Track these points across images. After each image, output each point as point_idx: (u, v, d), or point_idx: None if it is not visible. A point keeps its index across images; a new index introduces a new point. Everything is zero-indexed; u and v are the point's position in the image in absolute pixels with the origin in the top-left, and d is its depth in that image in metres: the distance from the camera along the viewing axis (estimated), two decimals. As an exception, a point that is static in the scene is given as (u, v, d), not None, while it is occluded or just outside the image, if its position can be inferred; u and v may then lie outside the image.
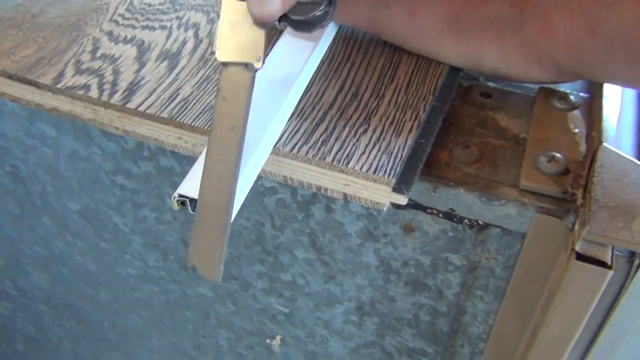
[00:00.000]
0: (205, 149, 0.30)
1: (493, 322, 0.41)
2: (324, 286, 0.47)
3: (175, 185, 0.46)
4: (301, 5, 0.32)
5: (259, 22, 0.31)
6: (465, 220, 0.36)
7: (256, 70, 0.31)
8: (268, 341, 0.56)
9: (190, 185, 0.28)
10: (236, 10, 0.31)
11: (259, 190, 0.41)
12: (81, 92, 0.37)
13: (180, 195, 0.27)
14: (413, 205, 0.37)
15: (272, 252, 0.46)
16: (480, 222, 0.36)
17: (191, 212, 0.28)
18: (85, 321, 0.73)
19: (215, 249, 0.27)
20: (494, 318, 0.41)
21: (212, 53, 0.40)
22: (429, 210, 0.37)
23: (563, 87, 0.41)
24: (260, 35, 0.31)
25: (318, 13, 0.32)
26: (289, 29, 0.38)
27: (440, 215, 0.37)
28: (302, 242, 0.44)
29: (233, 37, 0.31)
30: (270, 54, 0.36)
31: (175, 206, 0.28)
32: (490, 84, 0.42)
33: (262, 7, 0.31)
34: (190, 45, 0.41)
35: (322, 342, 0.52)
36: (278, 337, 0.55)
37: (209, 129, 0.31)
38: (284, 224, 0.43)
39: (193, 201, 0.27)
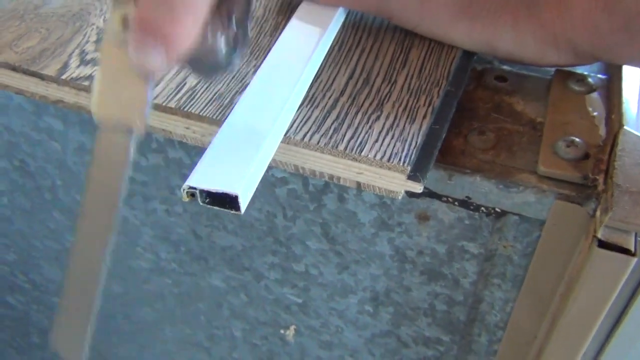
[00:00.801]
0: (214, 137, 0.29)
1: (511, 310, 0.41)
2: (337, 276, 0.46)
3: (184, 177, 0.45)
4: (199, 55, 0.27)
5: (142, 76, 0.26)
6: (482, 208, 0.35)
7: (134, 137, 0.26)
8: (282, 331, 0.55)
9: (200, 176, 0.27)
10: (118, 58, 0.25)
11: (270, 181, 0.41)
12: (86, 83, 0.36)
13: (190, 187, 0.27)
14: (428, 193, 0.36)
15: (284, 242, 0.46)
16: (497, 209, 0.35)
17: (201, 203, 0.27)
18: (98, 314, 0.73)
19: (78, 333, 0.26)
20: (511, 306, 0.40)
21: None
22: (444, 199, 0.36)
23: (580, 69, 0.39)
24: (142, 90, 0.25)
25: (219, 59, 0.28)
26: (297, 14, 0.37)
27: (456, 203, 0.36)
28: (315, 233, 0.43)
29: (112, 91, 0.25)
30: (278, 40, 0.35)
31: (185, 198, 0.27)
32: (504, 67, 0.41)
33: (143, 59, 0.25)
34: (196, 33, 0.40)
35: (336, 332, 0.52)
36: (292, 328, 0.54)
37: (85, 197, 0.26)
38: (296, 214, 0.43)
39: (203, 192, 0.27)
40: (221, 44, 0.27)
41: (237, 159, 0.28)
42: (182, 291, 0.59)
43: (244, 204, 0.26)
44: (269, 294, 0.52)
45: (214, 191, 0.26)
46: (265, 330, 0.57)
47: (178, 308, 0.62)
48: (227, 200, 0.26)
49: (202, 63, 0.28)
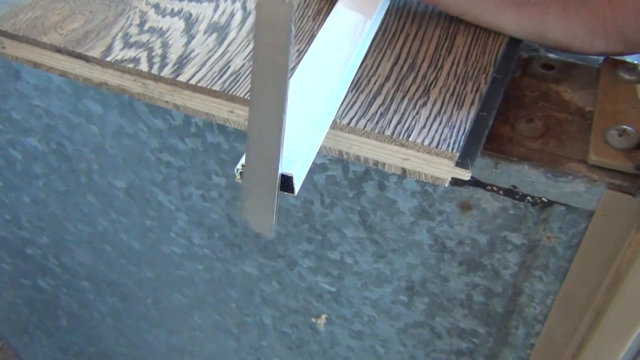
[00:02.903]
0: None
1: (552, 303, 0.40)
2: (373, 265, 0.46)
3: (221, 162, 0.45)
4: None
5: None
6: (528, 198, 0.35)
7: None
8: (313, 320, 0.55)
9: None
10: None
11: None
12: (131, 66, 0.36)
13: (244, 166, 0.26)
14: (472, 182, 0.36)
15: (320, 230, 0.46)
16: (544, 199, 0.34)
17: None
18: (127, 298, 0.74)
19: (266, 201, 0.26)
20: (552, 299, 0.40)
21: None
22: (489, 187, 0.36)
23: (630, 58, 0.38)
24: None
25: None
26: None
27: (501, 192, 0.35)
28: (352, 220, 0.43)
29: None
30: (325, 25, 0.35)
31: (238, 178, 0.27)
32: (551, 55, 0.40)
33: None
34: (238, 17, 0.40)
35: (369, 321, 0.51)
36: (323, 316, 0.54)
37: (250, 78, 0.26)
38: (334, 201, 0.42)
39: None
40: None
41: (290, 141, 0.28)
42: (213, 277, 0.59)
43: (298, 185, 0.26)
44: (302, 282, 0.52)
45: (269, 171, 0.26)
46: (295, 319, 0.57)
47: (209, 294, 0.62)
48: (282, 181, 0.26)
49: None
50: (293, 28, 0.25)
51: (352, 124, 0.32)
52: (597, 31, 0.35)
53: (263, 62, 0.25)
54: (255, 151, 0.26)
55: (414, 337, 0.50)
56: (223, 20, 0.39)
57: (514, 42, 0.38)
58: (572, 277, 0.37)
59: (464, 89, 0.34)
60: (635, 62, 0.38)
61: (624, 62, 0.38)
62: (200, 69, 0.36)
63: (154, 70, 0.36)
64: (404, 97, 0.33)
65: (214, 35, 0.38)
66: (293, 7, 0.25)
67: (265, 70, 0.25)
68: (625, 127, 0.33)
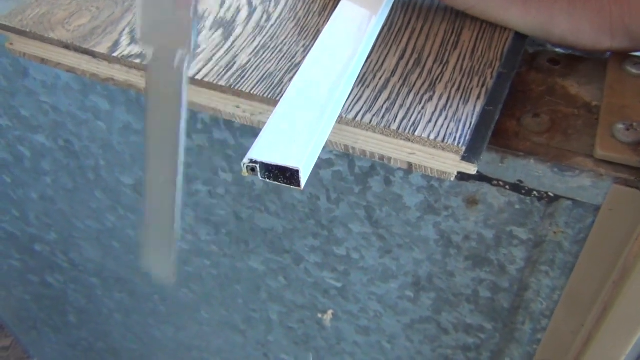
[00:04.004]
0: (272, 113, 0.29)
1: (558, 298, 0.40)
2: (379, 261, 0.46)
3: (228, 159, 0.46)
4: None
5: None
6: (534, 192, 0.35)
7: (184, 59, 0.25)
8: (319, 315, 0.55)
9: (261, 150, 0.27)
10: None
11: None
12: (138, 61, 0.36)
13: (251, 161, 0.27)
14: (478, 177, 0.36)
15: (326, 225, 0.46)
16: (550, 194, 0.34)
17: (260, 178, 0.27)
18: (135, 294, 0.74)
19: (165, 252, 0.27)
20: (559, 294, 0.40)
21: (267, 21, 0.39)
22: (495, 182, 0.35)
23: (637, 52, 0.38)
24: (186, 13, 0.25)
25: None
26: None
27: (507, 187, 0.35)
28: (358, 216, 0.43)
29: (155, 17, 0.25)
30: (331, 19, 0.35)
31: (245, 172, 0.27)
32: (557, 50, 0.40)
33: None
34: (244, 13, 0.40)
35: (375, 317, 0.52)
36: (330, 312, 0.54)
37: (145, 130, 0.27)
38: (340, 197, 0.43)
39: (264, 166, 0.27)
40: None
41: (296, 135, 0.28)
42: (220, 273, 0.59)
43: (304, 179, 0.26)
44: (308, 278, 0.52)
45: (275, 164, 0.26)
46: (302, 314, 0.57)
47: (216, 290, 0.62)
48: (288, 175, 0.26)
49: None
50: (185, 93, 0.25)
51: (358, 118, 0.32)
52: (603, 27, 0.35)
53: (156, 120, 0.26)
54: (153, 208, 0.27)
55: (420, 332, 0.50)
56: (229, 16, 0.40)
57: (520, 37, 0.38)
58: (579, 272, 0.37)
59: (470, 83, 0.34)
60: (643, 56, 0.38)
61: (631, 56, 0.38)
62: (206, 65, 0.36)
63: (161, 66, 0.36)
64: (409, 92, 0.33)
65: (220, 31, 0.38)
66: (182, 73, 0.25)
67: (159, 124, 0.26)
68: (632, 121, 0.33)
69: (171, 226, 0.27)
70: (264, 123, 0.30)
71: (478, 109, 0.32)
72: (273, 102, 0.34)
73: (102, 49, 0.37)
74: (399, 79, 0.34)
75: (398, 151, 0.32)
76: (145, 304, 0.75)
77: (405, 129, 0.31)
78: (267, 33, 0.38)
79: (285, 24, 0.39)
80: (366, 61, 0.35)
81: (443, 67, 0.35)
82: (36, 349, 1.13)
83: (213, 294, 0.63)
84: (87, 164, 0.56)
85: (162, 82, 0.25)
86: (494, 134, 0.33)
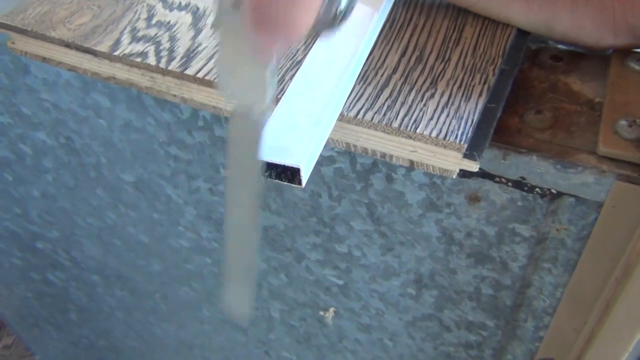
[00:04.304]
0: (273, 111, 0.29)
1: (561, 295, 0.40)
2: (381, 258, 0.46)
3: (229, 156, 0.45)
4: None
5: (262, 60, 0.25)
6: (537, 189, 0.35)
7: (262, 115, 0.26)
8: (321, 313, 0.55)
9: (262, 148, 0.27)
10: (235, 41, 0.25)
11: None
12: (139, 60, 0.36)
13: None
14: (480, 173, 0.36)
15: (328, 223, 0.46)
16: (553, 190, 0.34)
17: (262, 177, 0.27)
18: (137, 292, 0.74)
19: (245, 293, 0.29)
20: (561, 291, 0.40)
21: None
22: (497, 179, 0.35)
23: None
24: (263, 71, 0.25)
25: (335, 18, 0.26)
26: None
27: (510, 184, 0.35)
28: (360, 213, 0.43)
29: (236, 76, 0.25)
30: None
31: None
32: (560, 46, 0.40)
33: (261, 45, 0.23)
34: (245, 10, 0.40)
35: (377, 314, 0.52)
36: (331, 309, 0.54)
37: (226, 179, 0.28)
38: (342, 194, 0.42)
39: (265, 164, 0.27)
40: (334, 8, 0.26)
41: (297, 133, 0.28)
42: (221, 271, 0.59)
43: (305, 177, 0.26)
44: (310, 275, 0.52)
45: (276, 163, 0.26)
46: (303, 312, 0.57)
47: (217, 288, 0.62)
48: (289, 174, 0.26)
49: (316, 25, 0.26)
50: (261, 142, 0.26)
51: (360, 116, 0.32)
52: (605, 25, 0.35)
53: (237, 169, 0.27)
54: (234, 252, 0.28)
55: (422, 330, 0.50)
56: (230, 13, 0.39)
57: (523, 34, 0.37)
58: (582, 269, 0.37)
59: (471, 80, 0.34)
60: (645, 52, 0.38)
61: (634, 52, 0.37)
62: (207, 63, 0.36)
63: (162, 64, 0.36)
64: (411, 89, 0.33)
65: (221, 29, 0.38)
66: (260, 124, 0.26)
67: (239, 174, 0.27)
68: (635, 118, 0.33)
69: (251, 267, 0.28)
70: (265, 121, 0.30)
71: (480, 106, 0.32)
72: (274, 99, 0.34)
73: (103, 47, 0.37)
74: (401, 76, 0.34)
75: (400, 149, 0.32)
76: (147, 302, 0.75)
77: (407, 127, 0.31)
78: (268, 30, 0.38)
79: (287, 21, 0.38)
80: (368, 58, 0.35)
81: (445, 64, 0.35)
82: (38, 346, 1.13)
83: (214, 291, 0.63)
84: (88, 162, 0.56)
85: (242, 133, 0.26)
86: (496, 130, 0.33)
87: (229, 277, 0.28)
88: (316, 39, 0.34)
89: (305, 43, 0.37)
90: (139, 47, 0.37)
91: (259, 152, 0.26)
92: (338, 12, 0.26)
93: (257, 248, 0.29)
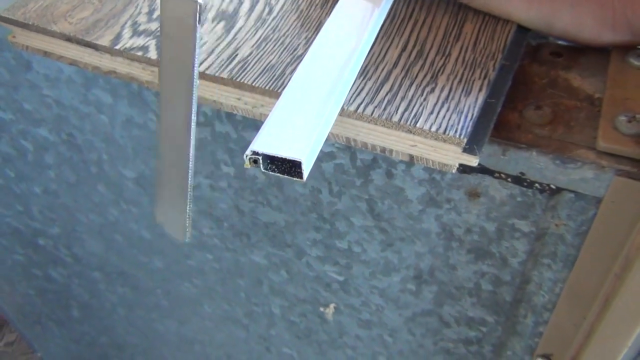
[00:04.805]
0: (275, 105, 0.29)
1: (560, 291, 0.40)
2: (381, 254, 0.46)
3: (230, 152, 0.46)
4: None
5: None
6: (536, 185, 0.35)
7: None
8: (321, 309, 0.55)
9: (264, 142, 0.27)
10: None
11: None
12: (139, 54, 0.36)
13: (254, 153, 0.27)
14: (479, 169, 0.36)
15: (328, 219, 0.46)
16: (552, 186, 0.34)
17: (263, 170, 0.27)
18: (138, 288, 0.74)
19: (179, 206, 0.26)
20: (561, 287, 0.40)
21: (269, 13, 0.39)
22: (497, 175, 0.35)
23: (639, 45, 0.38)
24: None
25: None
26: None
27: (509, 179, 0.35)
28: (360, 209, 0.43)
29: None
30: (332, 14, 0.35)
31: (248, 164, 0.27)
32: (560, 42, 0.40)
33: None
34: (246, 4, 0.40)
35: (377, 310, 0.52)
36: (332, 305, 0.54)
37: (159, 77, 0.26)
38: (342, 190, 0.43)
39: (266, 158, 0.27)
40: None
41: (299, 127, 0.28)
42: (222, 267, 0.59)
43: (306, 170, 0.26)
44: (310, 271, 0.52)
45: (278, 156, 0.26)
46: (304, 308, 0.58)
47: (218, 284, 0.63)
48: (290, 167, 0.26)
49: None
50: (198, 27, 0.24)
51: (360, 110, 0.32)
52: (605, 21, 0.35)
53: (170, 65, 0.25)
54: (166, 155, 0.26)
55: (422, 325, 0.50)
56: (231, 8, 0.40)
57: (523, 29, 0.37)
58: (581, 264, 0.37)
59: (472, 75, 0.34)
60: (645, 48, 0.38)
61: (634, 48, 0.37)
62: (208, 57, 0.36)
63: (163, 58, 0.36)
64: (411, 84, 0.33)
65: (222, 23, 0.38)
66: (198, 4, 0.24)
67: (173, 70, 0.25)
68: (635, 113, 0.33)
69: (184, 182, 0.26)
70: (266, 115, 0.30)
71: (480, 101, 0.32)
72: (275, 94, 0.34)
73: (104, 41, 0.37)
74: (401, 70, 0.34)
75: (400, 143, 0.32)
76: (148, 298, 0.75)
77: (406, 121, 0.31)
78: (269, 25, 0.38)
79: (288, 16, 0.38)
80: (368, 53, 0.35)
81: (445, 59, 0.35)
82: (40, 343, 1.13)
83: (215, 288, 0.63)
84: (89, 158, 0.56)
85: (176, 20, 0.24)
86: (496, 126, 0.33)
87: (161, 191, 0.27)
88: (317, 33, 0.34)
89: (306, 37, 0.37)
90: (140, 41, 0.38)
91: (194, 48, 0.24)
92: None
93: (191, 160, 0.26)
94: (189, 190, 0.27)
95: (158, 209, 0.27)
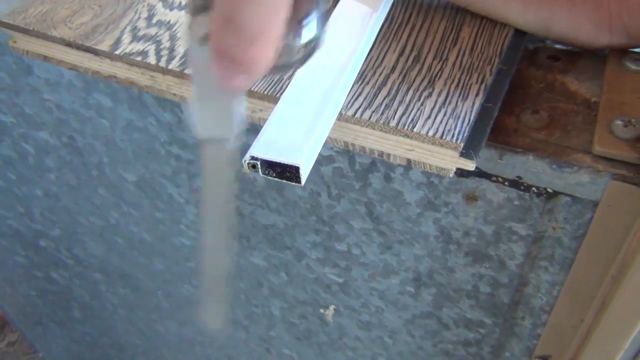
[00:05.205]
0: (273, 110, 0.30)
1: (558, 293, 0.40)
2: (380, 256, 0.46)
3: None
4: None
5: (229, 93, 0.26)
6: (533, 188, 0.35)
7: (232, 144, 0.27)
8: (321, 311, 0.56)
9: (262, 147, 0.27)
10: (205, 74, 0.25)
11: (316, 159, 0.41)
12: (139, 59, 0.37)
13: (252, 158, 0.27)
14: (477, 173, 0.36)
15: (327, 221, 0.46)
16: (549, 190, 0.34)
17: (261, 175, 0.27)
18: (139, 290, 0.74)
19: (219, 308, 0.31)
20: (559, 289, 0.40)
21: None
22: (494, 178, 0.36)
23: (635, 49, 0.38)
24: (230, 104, 0.26)
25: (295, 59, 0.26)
26: None
27: (506, 183, 0.35)
28: (359, 212, 0.43)
29: (206, 108, 0.26)
30: (331, 19, 0.35)
31: (246, 169, 0.27)
32: (557, 46, 0.40)
33: (227, 82, 0.24)
34: (245, 10, 0.40)
35: (376, 312, 0.52)
36: (332, 307, 0.55)
37: (203, 202, 0.29)
38: (341, 193, 0.43)
39: (265, 163, 0.27)
40: (297, 44, 0.26)
41: (297, 132, 0.28)
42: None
43: (304, 175, 0.27)
44: (310, 273, 0.52)
45: (276, 161, 0.27)
46: (304, 310, 0.58)
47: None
48: (288, 172, 0.27)
49: (277, 65, 0.26)
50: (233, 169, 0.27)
51: (358, 115, 0.32)
52: (602, 25, 0.35)
53: (211, 194, 0.28)
54: (209, 267, 0.30)
55: (421, 327, 0.50)
56: (230, 13, 0.40)
57: (520, 33, 0.38)
58: (578, 267, 0.37)
59: (469, 80, 0.34)
60: (642, 52, 0.38)
61: (631, 52, 0.38)
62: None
63: (162, 63, 0.36)
64: (409, 89, 0.34)
65: (221, 29, 0.39)
66: (232, 152, 0.26)
67: (214, 199, 0.28)
68: (631, 117, 0.33)
69: (224, 281, 0.30)
70: (265, 120, 0.30)
71: (477, 105, 0.33)
72: (274, 99, 0.34)
73: (104, 46, 0.38)
74: (399, 75, 0.35)
75: (397, 148, 0.32)
76: (149, 300, 0.75)
77: (404, 126, 0.32)
78: (267, 30, 0.38)
79: (286, 21, 0.39)
80: (366, 58, 0.36)
81: (442, 64, 0.35)
82: (42, 344, 1.14)
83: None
84: (90, 161, 0.56)
85: (214, 162, 0.27)
86: (493, 130, 0.33)
87: (205, 294, 0.30)
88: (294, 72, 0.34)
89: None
90: (139, 46, 0.38)
91: (232, 180, 0.27)
92: (300, 46, 0.25)
93: (229, 266, 0.30)
94: (226, 293, 0.31)
95: (203, 310, 0.31)
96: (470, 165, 0.31)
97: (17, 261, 0.86)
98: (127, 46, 0.38)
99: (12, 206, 0.72)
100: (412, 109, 0.32)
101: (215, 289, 0.30)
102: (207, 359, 0.80)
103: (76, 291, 0.85)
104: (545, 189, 0.34)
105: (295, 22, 0.24)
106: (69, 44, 0.39)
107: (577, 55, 0.39)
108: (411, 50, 0.36)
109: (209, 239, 0.29)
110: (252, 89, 0.34)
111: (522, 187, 0.35)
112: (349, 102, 0.33)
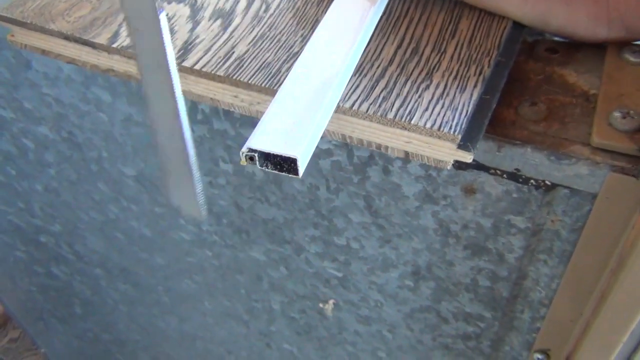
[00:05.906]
0: (271, 102, 0.29)
1: (557, 286, 0.40)
2: (379, 250, 0.46)
3: (228, 149, 0.46)
4: None
5: None
6: (532, 181, 0.35)
7: None
8: (321, 305, 0.56)
9: (260, 139, 0.27)
10: None
11: (314, 152, 0.41)
12: (137, 52, 0.37)
13: (250, 150, 0.27)
14: (475, 165, 0.36)
15: (326, 215, 0.46)
16: (547, 182, 0.34)
17: (259, 167, 0.27)
18: (139, 285, 0.75)
19: (187, 184, 0.27)
20: (557, 283, 0.40)
21: (266, 11, 0.39)
22: (492, 171, 0.36)
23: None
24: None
25: None
26: None
27: (505, 175, 0.35)
28: (358, 206, 0.43)
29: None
30: (329, 12, 0.35)
31: (244, 161, 0.27)
32: (556, 38, 0.40)
33: None
34: (243, 3, 0.40)
35: (375, 306, 0.52)
36: (331, 302, 0.55)
37: (138, 69, 0.27)
38: (339, 187, 0.43)
39: (262, 155, 0.27)
40: None
41: (295, 124, 0.28)
42: (222, 263, 0.60)
43: (302, 167, 0.27)
44: (309, 268, 0.52)
45: (273, 153, 0.27)
46: (303, 304, 0.58)
47: (218, 280, 0.63)
48: (286, 164, 0.27)
49: None
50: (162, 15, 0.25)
51: (355, 107, 0.32)
52: (600, 18, 0.35)
53: (145, 58, 0.26)
54: (163, 142, 0.27)
55: (420, 321, 0.50)
56: (228, 6, 0.40)
57: (519, 26, 0.38)
58: (577, 260, 0.37)
59: (467, 72, 0.34)
60: (641, 44, 0.38)
61: (630, 44, 0.37)
62: (204, 55, 0.36)
63: (160, 57, 0.36)
64: (407, 81, 0.34)
65: (219, 21, 0.39)
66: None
67: (150, 64, 0.26)
68: (629, 109, 0.33)
69: (186, 156, 0.27)
70: (262, 113, 0.30)
71: (475, 97, 0.32)
72: (271, 91, 0.34)
73: (101, 39, 0.38)
74: (397, 67, 0.35)
75: (395, 140, 0.32)
76: (150, 295, 0.75)
77: (401, 118, 0.31)
78: (265, 23, 0.38)
79: (284, 13, 0.39)
80: (364, 50, 0.35)
81: (440, 56, 0.35)
82: (43, 340, 1.14)
83: (215, 284, 0.64)
84: (90, 156, 0.56)
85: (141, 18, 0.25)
86: (491, 122, 0.33)
87: (167, 175, 0.27)
88: (313, 31, 0.34)
89: (302, 35, 0.37)
90: (137, 40, 0.38)
91: (164, 42, 0.25)
92: None
93: (187, 135, 0.27)
94: (193, 169, 0.27)
95: (170, 194, 0.28)
96: (468, 157, 0.31)
97: (17, 257, 0.86)
98: (125, 39, 0.38)
99: (12, 201, 0.72)
100: (410, 101, 0.32)
101: (178, 167, 0.27)
102: (208, 354, 0.80)
103: (77, 287, 0.86)
104: (543, 181, 0.34)
105: None
106: (66, 37, 0.39)
107: (576, 48, 0.39)
108: (409, 43, 0.36)
109: (154, 108, 0.27)
110: (249, 82, 0.34)
111: (521, 180, 0.35)
112: (346, 95, 0.33)
